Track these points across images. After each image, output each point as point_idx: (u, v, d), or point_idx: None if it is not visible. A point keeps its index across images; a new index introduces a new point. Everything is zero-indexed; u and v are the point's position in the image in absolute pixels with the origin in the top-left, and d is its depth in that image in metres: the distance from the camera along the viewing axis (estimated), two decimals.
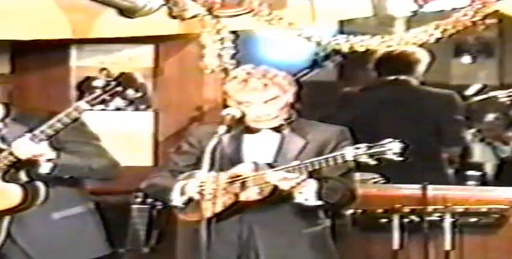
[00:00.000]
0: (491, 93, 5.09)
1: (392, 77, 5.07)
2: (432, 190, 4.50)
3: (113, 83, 3.81)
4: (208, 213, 3.64)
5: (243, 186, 3.71)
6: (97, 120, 5.05)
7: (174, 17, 4.88)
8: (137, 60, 5.07)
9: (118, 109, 5.06)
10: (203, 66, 4.91)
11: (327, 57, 5.05)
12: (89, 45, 5.03)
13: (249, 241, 3.76)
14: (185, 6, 4.87)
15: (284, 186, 3.63)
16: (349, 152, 3.53)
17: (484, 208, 4.48)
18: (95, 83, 3.91)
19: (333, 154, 3.58)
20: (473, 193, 4.70)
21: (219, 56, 4.91)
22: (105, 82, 3.86)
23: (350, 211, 4.51)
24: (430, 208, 4.44)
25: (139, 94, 3.87)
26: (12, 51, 5.13)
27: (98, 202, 4.10)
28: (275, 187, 3.65)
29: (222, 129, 3.75)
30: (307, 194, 3.65)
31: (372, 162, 3.51)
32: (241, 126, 3.84)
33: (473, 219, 4.47)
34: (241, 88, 3.77)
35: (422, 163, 4.77)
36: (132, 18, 4.80)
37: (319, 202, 3.67)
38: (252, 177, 3.69)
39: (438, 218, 4.44)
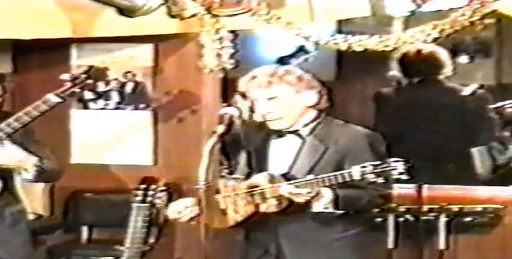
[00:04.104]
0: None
1: (422, 77, 5.04)
2: (427, 189, 4.53)
3: (83, 76, 3.83)
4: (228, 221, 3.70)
5: (263, 197, 3.70)
6: (96, 119, 5.16)
7: (173, 16, 4.87)
8: (137, 59, 5.07)
9: (117, 108, 5.15)
10: (202, 65, 4.91)
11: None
12: (89, 44, 5.04)
13: (279, 256, 3.75)
14: (184, 5, 4.85)
15: (298, 199, 3.61)
16: (356, 171, 3.50)
17: (479, 208, 4.48)
18: (63, 76, 3.92)
19: (341, 172, 3.54)
20: (468, 192, 4.72)
21: (218, 55, 4.89)
22: (72, 75, 3.88)
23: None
24: (425, 207, 4.45)
25: (108, 87, 3.89)
26: (14, 50, 5.15)
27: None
28: (291, 200, 3.64)
29: (221, 128, 3.75)
30: (324, 203, 3.63)
31: (380, 180, 3.49)
32: (265, 130, 3.81)
33: (468, 219, 4.48)
34: (249, 84, 3.75)
35: (454, 163, 4.78)
36: (131, 17, 4.79)
37: (340, 211, 3.65)
38: (269, 188, 3.67)
39: (433, 217, 4.46)
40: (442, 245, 4.46)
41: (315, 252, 3.73)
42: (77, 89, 3.84)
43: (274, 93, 3.71)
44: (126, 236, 4.57)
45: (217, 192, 3.79)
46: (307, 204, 3.64)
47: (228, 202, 3.72)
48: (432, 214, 4.44)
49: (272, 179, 3.69)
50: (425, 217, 4.44)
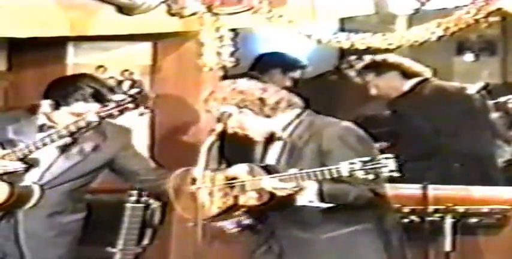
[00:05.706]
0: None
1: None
2: (433, 190, 4.45)
3: (128, 99, 3.78)
4: (205, 212, 3.61)
5: (243, 189, 3.65)
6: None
7: (173, 15, 4.85)
8: (135, 58, 5.03)
9: None
10: (202, 64, 4.86)
11: None
12: (86, 42, 4.99)
13: (281, 255, 3.74)
14: (184, 3, 4.84)
15: (280, 193, 3.56)
16: (345, 167, 3.39)
17: (485, 209, 4.43)
18: (115, 98, 3.88)
19: (329, 167, 3.45)
20: (474, 193, 4.63)
21: (218, 53, 4.86)
22: (123, 97, 3.82)
23: None
24: (430, 208, 4.39)
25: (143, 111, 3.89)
26: (9, 48, 5.10)
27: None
28: (273, 194, 3.59)
29: (219, 126, 3.70)
30: (309, 196, 3.58)
31: (370, 177, 3.37)
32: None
33: (475, 220, 4.43)
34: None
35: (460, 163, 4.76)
36: (130, 15, 4.78)
37: (327, 205, 3.59)
38: (249, 181, 3.63)
39: (439, 218, 4.39)
40: (448, 247, 4.40)
41: (314, 251, 3.67)
42: (116, 112, 3.77)
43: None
44: (118, 237, 4.48)
45: (193, 182, 3.71)
46: (290, 197, 3.58)
47: (205, 193, 3.63)
48: (438, 215, 4.39)
49: (251, 171, 3.62)
50: (430, 218, 4.38)
